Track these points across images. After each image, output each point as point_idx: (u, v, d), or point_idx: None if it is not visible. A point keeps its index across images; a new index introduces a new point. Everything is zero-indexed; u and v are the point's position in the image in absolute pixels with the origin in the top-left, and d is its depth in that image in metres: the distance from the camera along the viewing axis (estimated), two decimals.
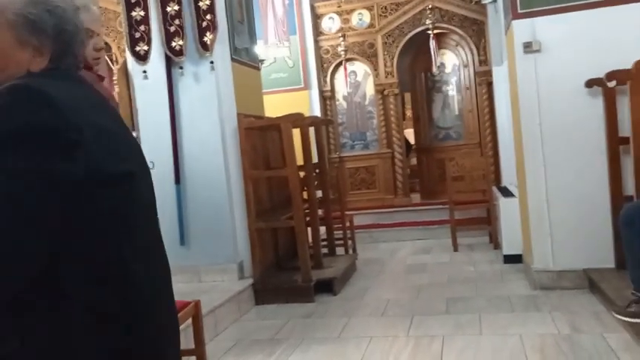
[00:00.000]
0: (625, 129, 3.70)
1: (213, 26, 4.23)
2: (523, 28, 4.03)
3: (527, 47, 4.01)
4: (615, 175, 3.84)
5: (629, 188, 3.71)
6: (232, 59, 4.55)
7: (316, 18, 7.63)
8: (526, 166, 4.12)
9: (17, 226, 0.86)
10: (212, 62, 4.28)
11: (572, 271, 4.01)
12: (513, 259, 4.96)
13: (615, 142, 3.83)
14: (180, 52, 4.25)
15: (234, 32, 4.61)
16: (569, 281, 4.02)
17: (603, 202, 3.90)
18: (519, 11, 4.03)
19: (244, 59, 4.79)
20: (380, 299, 4.30)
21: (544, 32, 3.99)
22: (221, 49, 4.38)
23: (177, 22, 4.22)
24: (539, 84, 4.02)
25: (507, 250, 5.08)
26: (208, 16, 4.22)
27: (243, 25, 4.83)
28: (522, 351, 3.01)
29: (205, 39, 4.24)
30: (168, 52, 4.28)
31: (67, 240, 0.93)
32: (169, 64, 4.36)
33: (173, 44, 4.25)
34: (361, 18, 7.54)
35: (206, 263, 4.33)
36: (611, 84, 3.73)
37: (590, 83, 3.88)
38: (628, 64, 3.55)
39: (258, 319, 4.07)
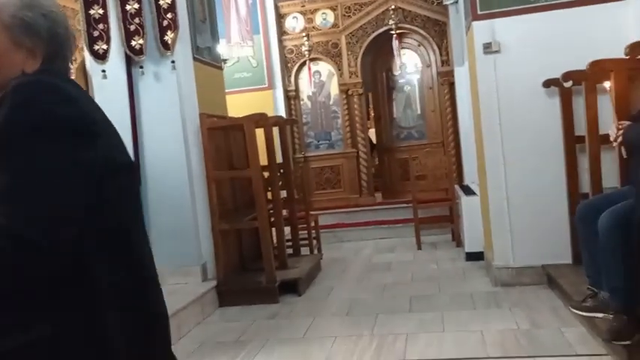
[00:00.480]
0: (581, 128, 3.80)
1: (174, 25, 4.16)
2: (483, 29, 4.10)
3: (487, 48, 4.08)
4: (572, 173, 3.94)
5: (586, 186, 3.80)
6: (194, 58, 4.49)
7: (280, 17, 7.61)
8: (487, 165, 4.19)
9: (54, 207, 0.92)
10: (173, 61, 4.22)
11: (532, 267, 4.10)
12: (475, 256, 5.05)
13: (572, 141, 3.93)
14: (140, 51, 4.17)
15: (196, 31, 4.56)
16: (529, 277, 4.11)
17: (561, 200, 4.00)
18: (479, 12, 4.09)
19: (206, 58, 4.73)
20: (344, 299, 4.31)
21: (503, 33, 4.07)
22: (182, 49, 4.32)
23: (137, 20, 4.14)
24: (499, 84, 4.10)
25: (469, 247, 5.16)
26: (169, 15, 4.15)
27: (205, 24, 4.77)
28: (483, 347, 3.06)
29: (166, 38, 4.18)
30: (128, 51, 4.19)
31: (90, 227, 0.98)
32: (129, 63, 4.27)
33: (133, 43, 4.17)
34: (325, 18, 7.56)
35: (169, 265, 4.24)
36: (568, 84, 3.82)
37: (547, 83, 3.97)
38: (584, 65, 3.64)
39: (221, 321, 4.03)
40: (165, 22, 4.16)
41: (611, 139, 2.86)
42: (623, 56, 3.13)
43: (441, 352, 3.06)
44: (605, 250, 2.61)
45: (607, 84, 3.20)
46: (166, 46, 4.18)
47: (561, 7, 3.95)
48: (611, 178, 3.58)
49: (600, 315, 2.79)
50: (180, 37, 4.23)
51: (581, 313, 2.96)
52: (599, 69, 3.24)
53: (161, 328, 1.15)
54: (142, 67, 4.26)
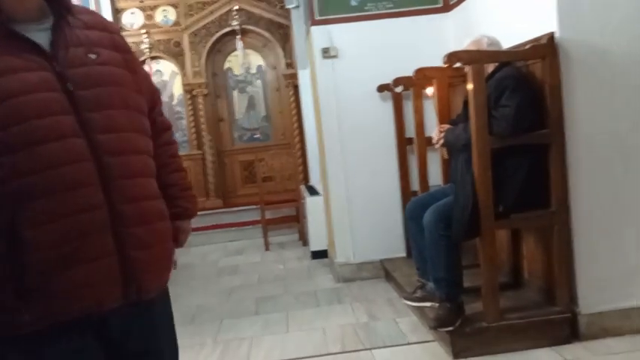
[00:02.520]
0: (411, 130, 4.07)
1: None
2: (321, 35, 4.21)
3: (326, 53, 4.21)
4: (404, 172, 4.21)
5: (416, 184, 4.08)
6: None
7: (116, 12, 7.17)
8: (328, 166, 4.33)
9: None
10: None
11: (371, 262, 4.31)
12: (320, 254, 5.19)
13: (403, 143, 4.20)
14: None
15: None
16: (368, 272, 4.31)
17: (395, 198, 4.26)
18: (317, 18, 4.20)
19: None
20: (189, 306, 4.18)
21: (340, 39, 4.21)
22: None
23: None
24: (338, 88, 4.24)
25: (314, 246, 5.29)
26: None
27: None
28: (325, 343, 3.14)
29: None
30: None
31: None
32: None
33: None
34: (166, 15, 7.29)
35: None
36: (398, 89, 4.07)
37: (381, 88, 4.20)
38: (412, 72, 3.88)
39: None
40: None
41: (434, 141, 3.09)
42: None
43: (284, 353, 3.08)
44: (429, 244, 2.81)
45: (430, 90, 3.46)
46: None
47: (390, 16, 4.19)
48: (436, 177, 3.89)
49: (428, 304, 2.99)
50: None
51: (411, 303, 3.16)
52: (423, 76, 3.48)
53: None
54: None
